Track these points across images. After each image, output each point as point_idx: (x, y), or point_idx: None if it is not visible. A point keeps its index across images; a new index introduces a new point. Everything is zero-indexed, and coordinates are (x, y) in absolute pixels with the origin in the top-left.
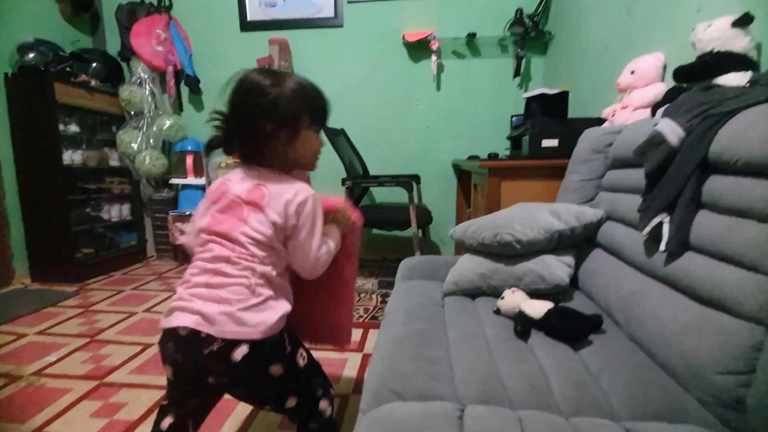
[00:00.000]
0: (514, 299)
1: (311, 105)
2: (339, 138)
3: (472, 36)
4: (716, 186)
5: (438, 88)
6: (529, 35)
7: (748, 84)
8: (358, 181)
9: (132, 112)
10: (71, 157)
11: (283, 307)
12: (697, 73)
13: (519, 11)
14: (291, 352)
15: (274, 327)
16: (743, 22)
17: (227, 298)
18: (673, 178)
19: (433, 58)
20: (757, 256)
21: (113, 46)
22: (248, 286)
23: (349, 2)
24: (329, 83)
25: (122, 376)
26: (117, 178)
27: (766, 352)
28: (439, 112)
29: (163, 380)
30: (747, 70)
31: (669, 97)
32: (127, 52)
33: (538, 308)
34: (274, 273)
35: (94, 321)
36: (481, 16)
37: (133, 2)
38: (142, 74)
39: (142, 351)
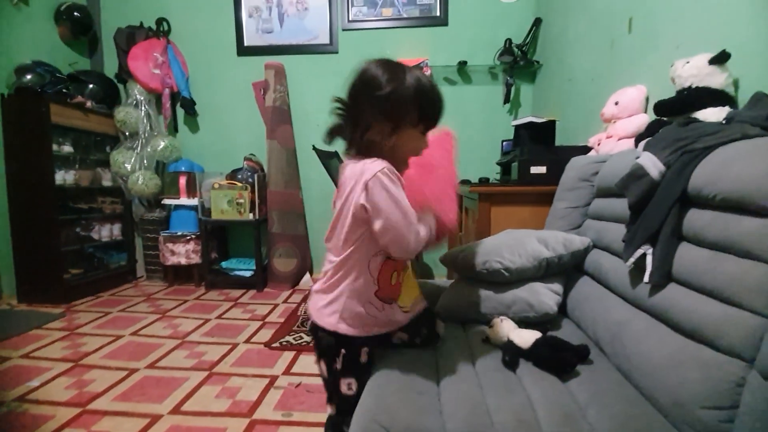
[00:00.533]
0: (503, 328)
1: (422, 103)
2: (333, 161)
3: (463, 64)
4: (697, 220)
5: None
6: (518, 64)
7: (725, 120)
8: None
9: (127, 133)
10: (63, 177)
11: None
12: (677, 108)
13: (508, 41)
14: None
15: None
16: (720, 59)
17: None
18: (655, 210)
19: None
20: (737, 291)
21: (111, 68)
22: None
23: (344, 30)
24: (324, 108)
25: (105, 403)
26: (109, 197)
27: (748, 388)
28: None
29: (145, 408)
30: (724, 106)
31: (650, 130)
32: (125, 75)
33: (526, 338)
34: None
35: (79, 344)
36: (472, 45)
37: (132, 26)
38: (138, 96)
39: (127, 377)
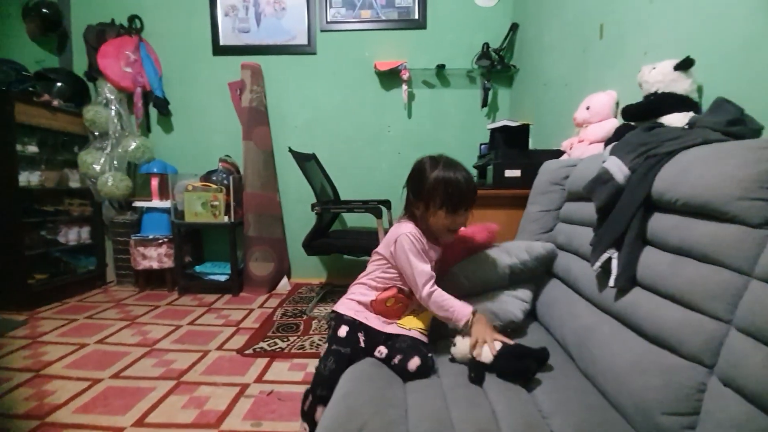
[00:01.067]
0: (465, 344)
1: (445, 192)
2: (310, 163)
3: (441, 67)
4: (660, 224)
5: (409, 116)
6: (496, 68)
7: (687, 125)
8: (328, 206)
9: (96, 133)
10: (28, 178)
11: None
12: (643, 113)
13: (486, 45)
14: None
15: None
16: (685, 65)
17: None
18: (620, 214)
19: (404, 87)
20: (697, 295)
21: (80, 66)
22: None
23: (322, 31)
24: (302, 109)
25: (66, 416)
26: (77, 199)
27: (709, 394)
28: (411, 139)
29: (107, 421)
30: (688, 111)
31: (618, 134)
32: (95, 73)
33: (487, 351)
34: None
35: (41, 354)
36: (450, 49)
37: (103, 23)
38: (108, 95)
39: (89, 387)
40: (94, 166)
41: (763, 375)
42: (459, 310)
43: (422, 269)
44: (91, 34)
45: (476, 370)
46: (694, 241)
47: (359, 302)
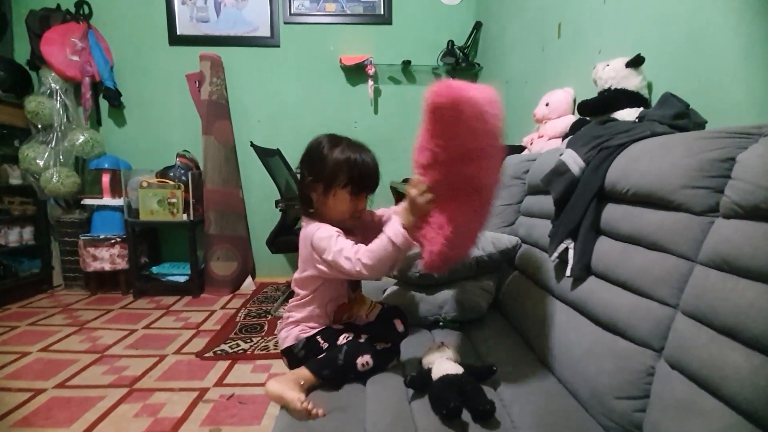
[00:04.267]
0: (432, 355)
1: (350, 169)
2: (274, 158)
3: (407, 63)
4: (612, 213)
5: (375, 111)
6: (460, 66)
7: (637, 119)
8: (293, 203)
9: (39, 126)
10: None
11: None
12: (598, 108)
13: (450, 42)
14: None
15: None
16: (635, 63)
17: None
18: (576, 205)
19: (370, 82)
20: (645, 282)
21: (22, 54)
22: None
23: (286, 23)
24: (265, 103)
25: (3, 430)
26: (18, 197)
27: (657, 377)
28: (377, 135)
29: None
30: (639, 107)
31: (574, 128)
32: (37, 61)
33: (443, 370)
34: (308, 298)
35: None
36: (416, 45)
37: (47, 9)
38: (53, 84)
39: (31, 399)
40: (37, 161)
41: (707, 356)
42: (389, 238)
43: (345, 245)
44: (34, 19)
45: (418, 378)
46: (643, 229)
47: (311, 326)
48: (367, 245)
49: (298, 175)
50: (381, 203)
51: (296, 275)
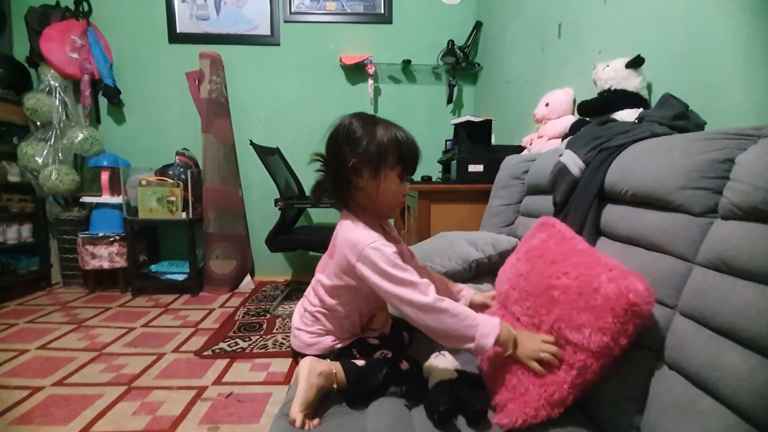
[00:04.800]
0: (432, 362)
1: (399, 147)
2: (273, 157)
3: (407, 63)
4: (612, 214)
5: (375, 110)
6: (460, 65)
7: (637, 120)
8: (292, 202)
9: (38, 123)
10: None
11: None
12: (597, 108)
13: (451, 42)
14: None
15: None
16: (635, 63)
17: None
18: (577, 207)
19: (370, 81)
20: None
21: (21, 51)
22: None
23: (286, 21)
24: (264, 101)
25: (0, 429)
26: (17, 195)
27: (655, 378)
28: None
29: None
30: (638, 107)
31: (573, 129)
32: (37, 58)
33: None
34: (340, 309)
35: None
36: (416, 45)
37: (47, 5)
38: (52, 82)
39: (29, 396)
40: (36, 158)
41: (705, 356)
42: (482, 320)
43: (406, 279)
44: (34, 16)
45: (415, 388)
46: (642, 229)
47: (343, 338)
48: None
49: (321, 165)
50: None
51: (328, 280)
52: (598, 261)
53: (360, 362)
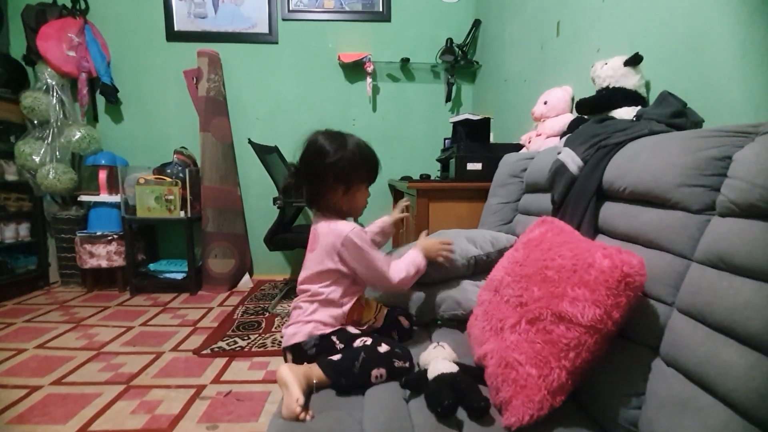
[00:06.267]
0: (429, 354)
1: (368, 164)
2: (272, 155)
3: (405, 61)
4: (610, 212)
5: (374, 109)
6: (459, 64)
7: (635, 117)
8: (290, 200)
9: (35, 121)
10: None
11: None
12: (596, 106)
13: (449, 40)
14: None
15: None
16: (633, 61)
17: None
18: (576, 205)
19: (369, 80)
20: None
21: (18, 49)
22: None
23: (284, 20)
24: (263, 100)
25: None
26: (14, 194)
27: (653, 375)
28: (376, 133)
29: (48, 430)
30: (637, 105)
31: (572, 127)
32: (33, 56)
33: (439, 369)
34: (324, 291)
35: None
36: (415, 43)
37: (43, 3)
38: (49, 80)
39: (27, 396)
40: (33, 157)
41: (703, 353)
42: (414, 259)
43: (380, 257)
44: (30, 14)
45: (414, 378)
46: (640, 227)
47: (324, 323)
48: None
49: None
50: (380, 202)
51: (310, 270)
52: (595, 245)
53: (335, 357)
